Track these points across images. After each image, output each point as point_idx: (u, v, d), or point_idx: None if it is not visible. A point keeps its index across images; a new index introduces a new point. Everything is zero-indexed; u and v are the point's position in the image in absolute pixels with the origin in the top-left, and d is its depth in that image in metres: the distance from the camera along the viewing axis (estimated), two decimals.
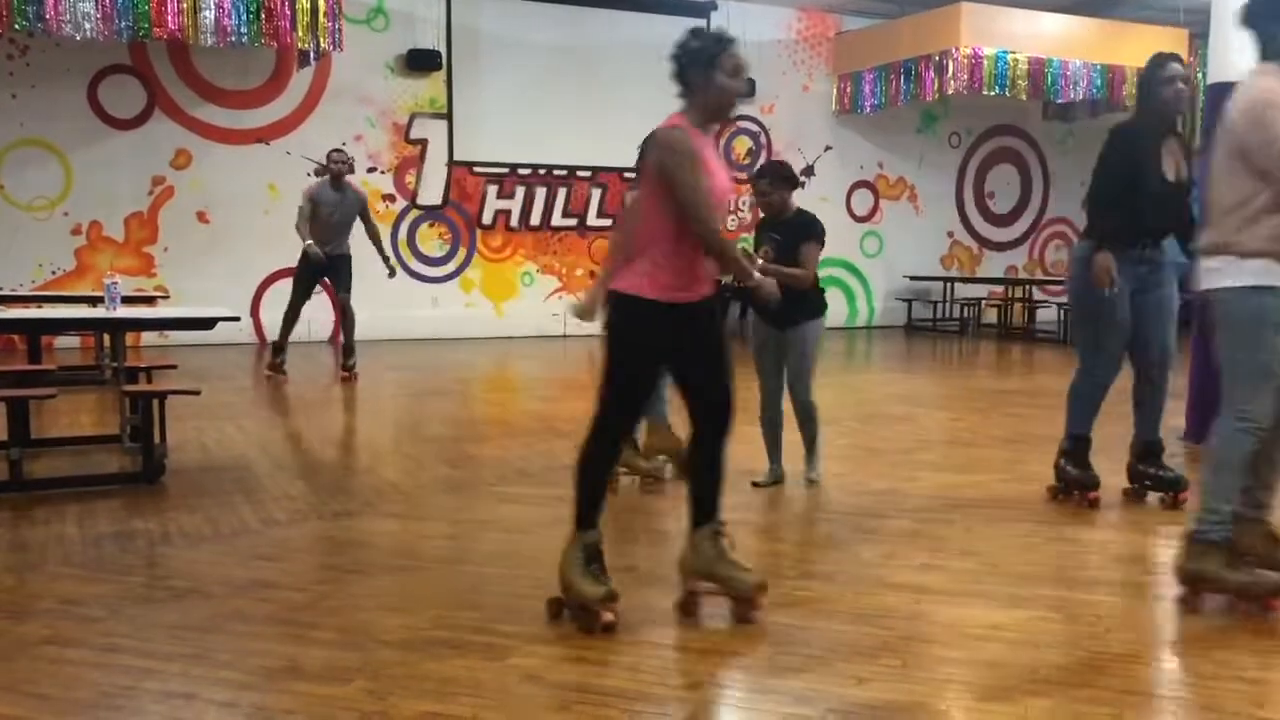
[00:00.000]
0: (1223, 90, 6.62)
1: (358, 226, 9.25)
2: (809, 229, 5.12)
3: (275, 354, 9.23)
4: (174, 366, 6.82)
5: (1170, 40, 14.16)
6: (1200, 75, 14.19)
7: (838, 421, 7.26)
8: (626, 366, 3.49)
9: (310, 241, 8.91)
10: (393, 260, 9.51)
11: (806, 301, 5.15)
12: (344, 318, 9.35)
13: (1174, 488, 5.04)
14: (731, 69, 3.54)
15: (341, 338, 9.49)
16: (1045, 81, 13.52)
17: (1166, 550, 4.46)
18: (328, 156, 9.27)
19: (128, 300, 7.61)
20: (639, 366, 3.52)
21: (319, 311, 12.37)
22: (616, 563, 4.12)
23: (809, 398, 5.33)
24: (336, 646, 3.25)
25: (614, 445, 3.60)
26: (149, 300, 9.60)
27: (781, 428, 5.46)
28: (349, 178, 9.32)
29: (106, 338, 9.28)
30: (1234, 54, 6.53)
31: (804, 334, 5.21)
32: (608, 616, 3.40)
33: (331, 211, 9.04)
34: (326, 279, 9.28)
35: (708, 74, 3.53)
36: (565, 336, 13.69)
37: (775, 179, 5.19)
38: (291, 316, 9.26)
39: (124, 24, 9.80)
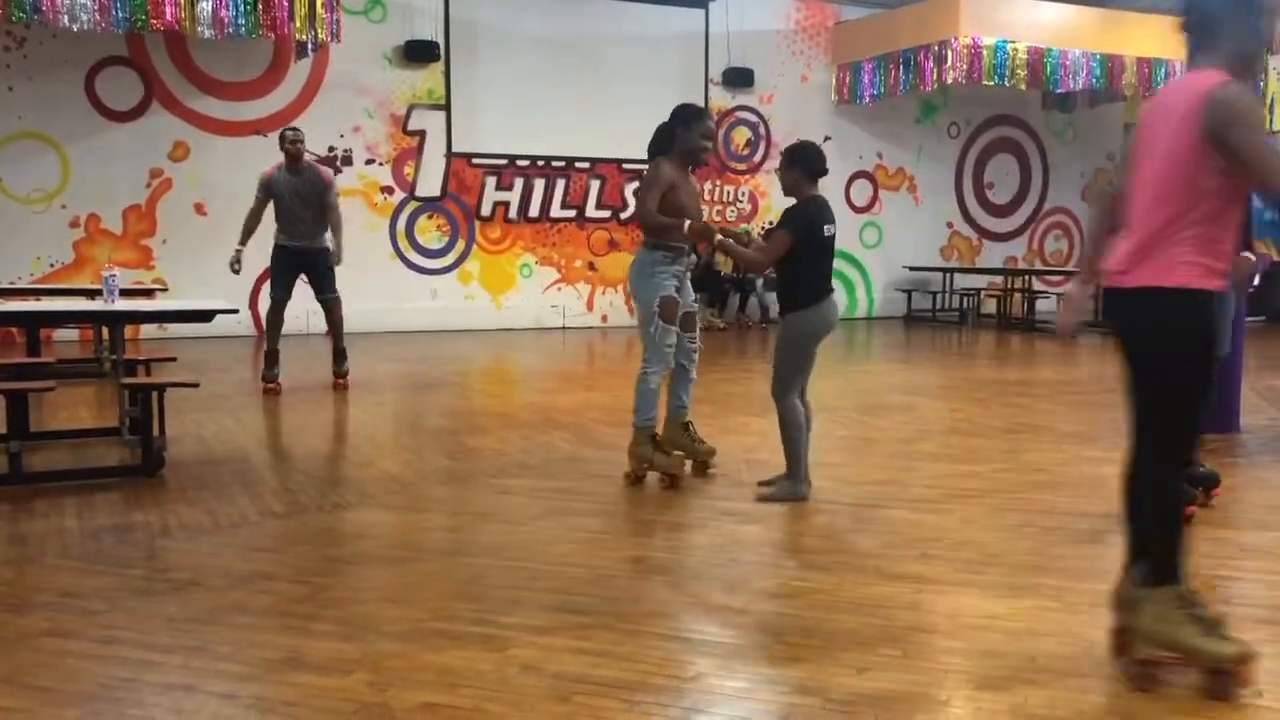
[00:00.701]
0: None
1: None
2: (785, 217, 4.92)
3: (269, 365, 8.19)
4: (173, 359, 6.82)
5: (1170, 29, 14.11)
6: None
7: (837, 412, 7.26)
8: (1186, 376, 2.91)
9: (240, 248, 8.01)
10: (343, 254, 8.22)
11: (790, 292, 4.96)
12: (330, 320, 8.32)
13: (1207, 484, 4.83)
14: (1272, 7, 2.95)
15: (331, 341, 8.46)
16: (1044, 71, 13.49)
17: None
18: (281, 136, 8.17)
19: (126, 293, 7.60)
20: (1199, 375, 2.93)
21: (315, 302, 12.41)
22: (624, 553, 4.14)
23: (777, 397, 4.96)
24: (336, 638, 3.25)
25: (1182, 472, 3.09)
26: (147, 293, 9.59)
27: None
28: (310, 159, 8.28)
29: (105, 330, 9.27)
30: None
31: (782, 325, 5.02)
32: (1249, 670, 2.89)
33: (291, 199, 8.01)
34: (305, 277, 8.22)
35: (1246, 17, 2.94)
36: (564, 329, 13.69)
37: (786, 158, 4.98)
38: (275, 320, 8.17)
39: (121, 15, 9.78)
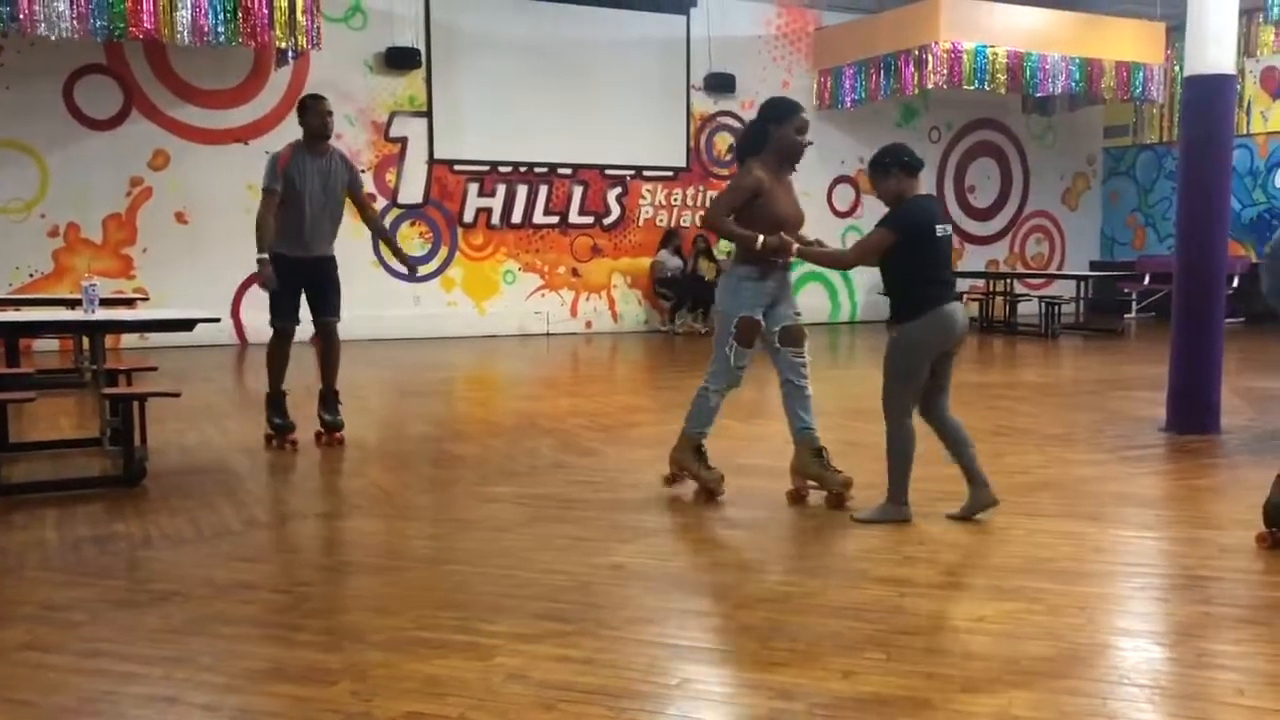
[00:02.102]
0: (1200, 83, 6.68)
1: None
2: (889, 213, 4.53)
3: (274, 412, 6.31)
4: (154, 368, 6.78)
5: (1148, 34, 14.27)
6: (1177, 68, 14.29)
7: (822, 415, 7.25)
8: None
9: (264, 256, 5.98)
10: (409, 260, 6.68)
11: (898, 300, 4.56)
12: (326, 351, 6.42)
13: None
14: None
15: (320, 380, 6.44)
16: (1024, 75, 13.58)
17: (1143, 542, 4.50)
18: (302, 105, 6.37)
19: (106, 302, 7.56)
20: None
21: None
22: (608, 560, 4.13)
23: (886, 415, 4.59)
24: (320, 648, 3.24)
25: None
26: (128, 302, 9.54)
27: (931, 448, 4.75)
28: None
29: (85, 340, 9.21)
30: (1211, 47, 6.59)
31: (890, 337, 4.60)
32: None
33: (314, 191, 6.15)
34: (305, 293, 6.32)
35: None
36: (548, 335, 13.68)
37: (878, 167, 4.58)
38: (281, 357, 6.34)
39: (99, 23, 9.73)
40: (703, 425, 4.94)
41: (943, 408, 4.66)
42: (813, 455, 4.90)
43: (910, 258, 4.47)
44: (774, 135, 4.74)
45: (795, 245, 4.68)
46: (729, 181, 4.84)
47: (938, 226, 4.50)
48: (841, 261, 5.02)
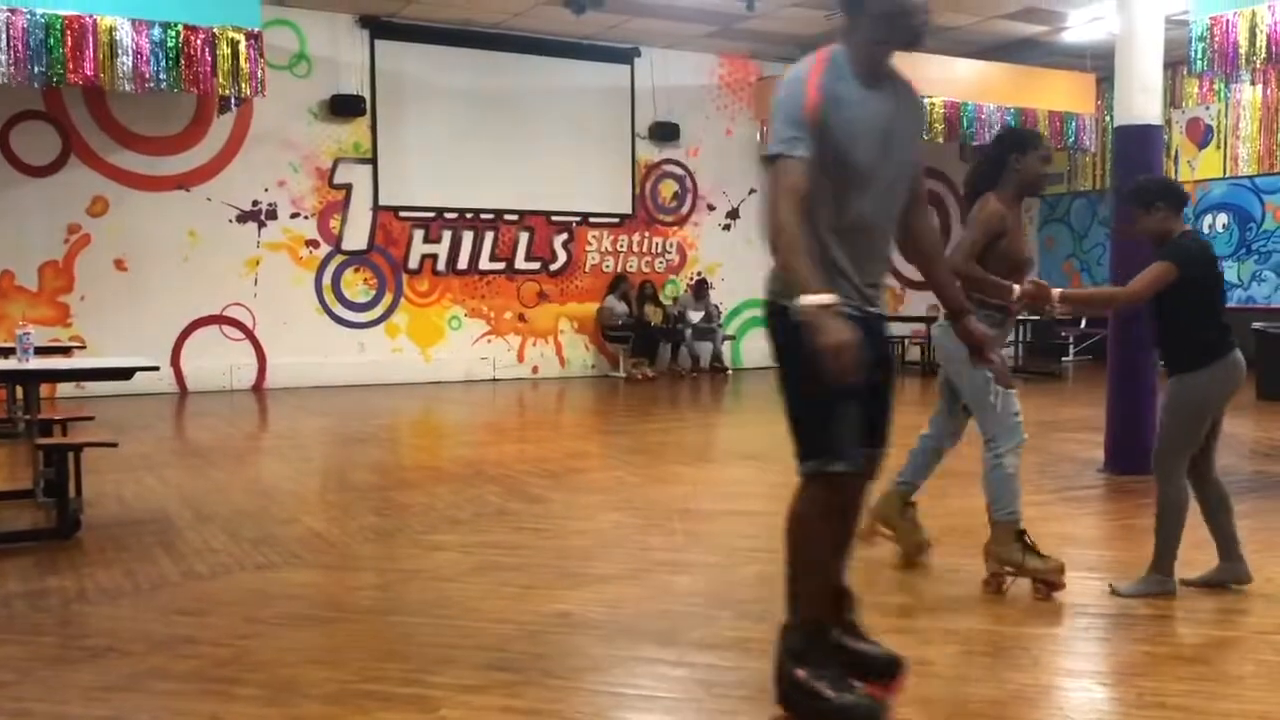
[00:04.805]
0: (1129, 132, 6.89)
1: None
2: (1167, 246, 4.05)
3: (819, 659, 3.03)
4: (90, 418, 6.64)
5: (1079, 85, 14.70)
6: (1108, 118, 14.71)
7: (769, 460, 7.30)
8: None
9: (828, 298, 2.73)
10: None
11: (1181, 347, 4.09)
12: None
13: None
14: None
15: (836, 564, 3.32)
16: (961, 124, 13.90)
17: (1086, 582, 4.55)
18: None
19: (41, 351, 7.40)
20: None
21: (241, 356, 12.17)
22: (555, 608, 4.09)
23: (1163, 476, 4.11)
24: (261, 703, 3.16)
25: None
26: (64, 350, 9.35)
27: (1199, 512, 4.25)
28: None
29: (19, 389, 9.00)
30: (1138, 97, 6.81)
31: (1171, 389, 4.11)
32: None
33: (876, 157, 3.02)
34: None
35: None
36: (495, 380, 13.62)
37: (1141, 198, 4.15)
38: (833, 535, 3.24)
39: (38, 69, 9.57)
40: (1013, 503, 4.28)
41: (1208, 465, 4.22)
42: (901, 505, 4.69)
43: (1192, 298, 4.01)
44: (1016, 166, 4.30)
45: (1059, 291, 4.11)
46: (970, 221, 4.33)
47: (1219, 261, 4.12)
48: (1117, 300, 4.66)
